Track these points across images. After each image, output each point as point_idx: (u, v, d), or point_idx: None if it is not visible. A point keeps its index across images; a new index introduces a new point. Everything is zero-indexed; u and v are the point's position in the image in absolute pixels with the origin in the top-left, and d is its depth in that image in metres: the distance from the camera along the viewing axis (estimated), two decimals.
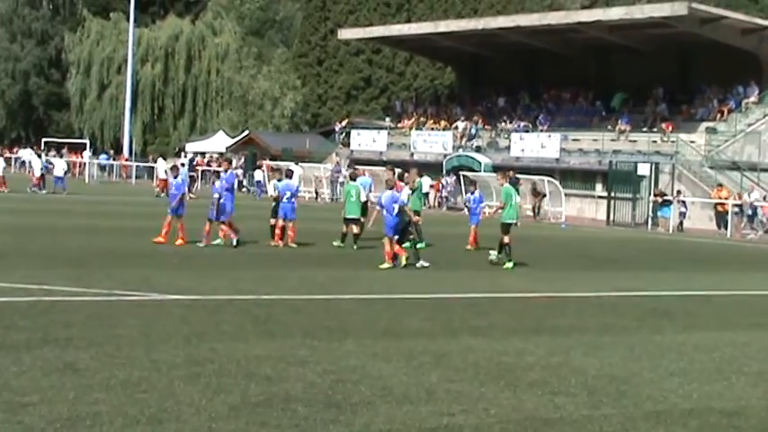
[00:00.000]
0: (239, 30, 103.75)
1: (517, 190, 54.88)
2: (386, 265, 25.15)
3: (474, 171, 59.34)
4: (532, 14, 71.03)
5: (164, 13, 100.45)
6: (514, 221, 27.50)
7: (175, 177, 29.81)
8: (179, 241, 27.83)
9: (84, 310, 15.78)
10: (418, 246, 26.80)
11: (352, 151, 72.68)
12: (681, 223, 51.21)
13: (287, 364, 12.10)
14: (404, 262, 25.41)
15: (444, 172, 63.06)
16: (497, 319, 17.04)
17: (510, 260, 26.93)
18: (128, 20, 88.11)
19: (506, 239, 27.15)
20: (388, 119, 78.47)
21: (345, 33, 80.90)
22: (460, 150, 65.58)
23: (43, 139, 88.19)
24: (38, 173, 55.59)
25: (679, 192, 52.76)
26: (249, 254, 26.92)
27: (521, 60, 71.12)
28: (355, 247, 29.86)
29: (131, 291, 17.95)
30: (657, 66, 62.90)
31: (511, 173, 55.09)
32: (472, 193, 33.06)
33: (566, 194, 56.21)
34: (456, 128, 68.69)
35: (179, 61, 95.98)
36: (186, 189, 30.02)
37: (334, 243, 30.73)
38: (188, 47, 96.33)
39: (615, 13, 60.70)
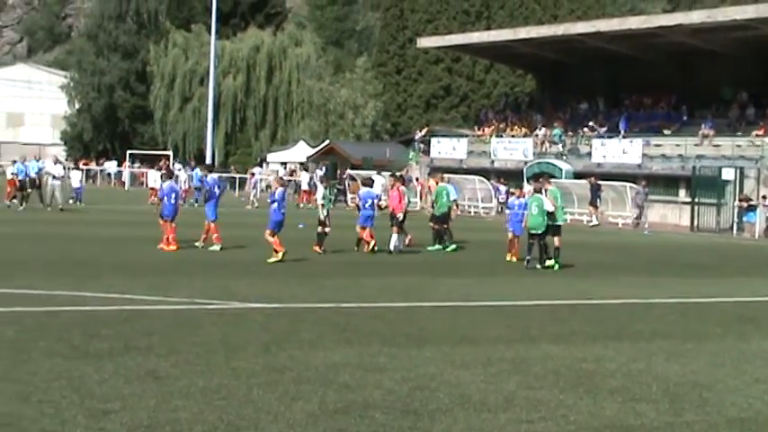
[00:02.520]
0: (319, 40, 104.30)
1: (599, 196, 54.80)
2: (273, 260, 25.90)
3: (555, 178, 58.98)
4: (612, 19, 70.38)
5: (245, 25, 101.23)
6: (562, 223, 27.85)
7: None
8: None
9: (165, 318, 15.95)
10: (447, 248, 29.37)
11: (432, 159, 72.61)
12: (767, 228, 50.41)
13: (365, 372, 12.11)
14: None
15: (526, 179, 62.78)
16: (577, 326, 16.90)
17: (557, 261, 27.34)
18: (210, 32, 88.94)
19: (557, 242, 27.22)
20: (475, 128, 78.28)
21: (424, 42, 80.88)
22: (541, 157, 65.24)
23: (128, 151, 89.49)
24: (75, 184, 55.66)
25: (765, 196, 51.90)
26: (332, 262, 26.98)
27: (601, 66, 70.50)
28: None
29: (212, 299, 18.09)
30: (741, 69, 62.00)
31: (593, 179, 55.01)
32: (518, 197, 31.71)
33: (649, 200, 55.58)
34: (536, 135, 68.34)
35: (260, 72, 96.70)
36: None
37: (430, 248, 31.78)
38: (269, 58, 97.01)
39: (697, 17, 59.93)
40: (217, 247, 28.68)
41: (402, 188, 31.84)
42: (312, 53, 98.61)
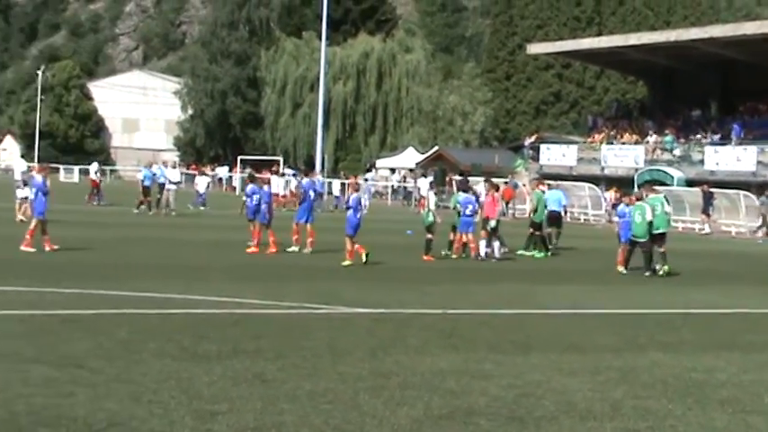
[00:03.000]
0: (429, 46, 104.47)
1: (712, 204, 53.85)
2: (347, 262, 26.12)
3: (666, 185, 58.20)
4: (726, 25, 69.35)
5: (355, 32, 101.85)
6: (664, 230, 27.35)
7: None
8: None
9: (273, 322, 16.12)
10: (538, 254, 29.95)
11: (541, 166, 72.25)
12: None
13: (471, 378, 12.10)
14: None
15: (636, 186, 62.05)
16: (687, 335, 16.67)
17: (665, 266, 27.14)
18: (320, 39, 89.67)
19: (662, 248, 26.92)
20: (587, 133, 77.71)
21: (535, 48, 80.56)
22: (652, 164, 64.45)
23: (239, 157, 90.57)
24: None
25: None
26: (437, 268, 27.00)
27: (714, 72, 69.46)
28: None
29: (320, 304, 18.23)
30: None
31: (705, 186, 54.07)
32: (627, 205, 31.44)
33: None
34: (647, 142, 67.55)
35: (370, 79, 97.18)
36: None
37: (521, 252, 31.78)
38: (379, 64, 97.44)
39: None
40: (295, 248, 29.24)
41: (496, 194, 31.68)
42: (422, 59, 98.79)
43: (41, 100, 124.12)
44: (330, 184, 69.68)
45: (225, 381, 11.40)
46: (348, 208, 27.51)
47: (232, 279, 21.92)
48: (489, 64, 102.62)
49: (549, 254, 32.36)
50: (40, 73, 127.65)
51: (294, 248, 29.40)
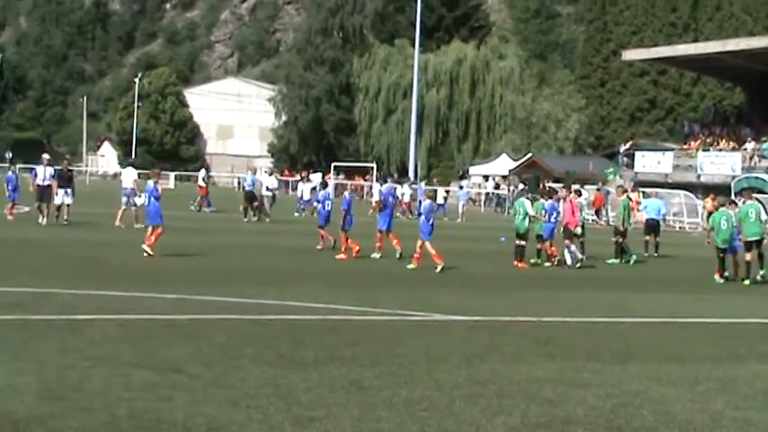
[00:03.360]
0: (522, 53, 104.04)
1: None
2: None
3: (764, 193, 57.22)
4: None
5: (449, 39, 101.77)
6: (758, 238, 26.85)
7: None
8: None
9: (368, 329, 16.16)
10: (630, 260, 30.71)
11: (636, 173, 71.50)
12: None
13: (568, 387, 12.02)
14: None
15: (733, 194, 61.11)
16: None
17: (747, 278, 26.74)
18: (413, 46, 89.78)
19: (748, 257, 26.80)
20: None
21: (630, 55, 79.80)
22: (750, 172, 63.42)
23: (333, 164, 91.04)
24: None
25: None
26: (528, 275, 26.85)
27: None
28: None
29: (414, 311, 18.23)
30: None
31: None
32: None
33: None
34: (745, 149, 66.48)
35: (463, 85, 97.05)
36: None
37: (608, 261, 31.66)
38: (472, 71, 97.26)
39: None
40: (377, 255, 29.33)
41: (577, 200, 31.37)
42: (515, 66, 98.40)
43: (138, 107, 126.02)
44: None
45: (322, 387, 11.46)
46: (420, 215, 27.57)
47: (326, 285, 22.02)
48: (583, 70, 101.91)
49: (625, 262, 31.93)
50: (137, 80, 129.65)
51: (376, 255, 29.49)
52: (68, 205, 37.39)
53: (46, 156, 38.77)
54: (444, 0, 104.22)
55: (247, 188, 48.75)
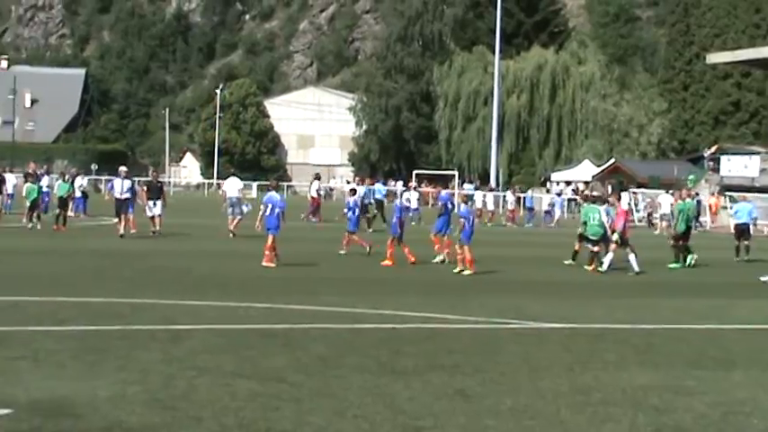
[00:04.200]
0: (602, 58, 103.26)
1: None
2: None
3: None
4: None
5: (528, 45, 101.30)
6: None
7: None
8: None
9: (465, 337, 16.12)
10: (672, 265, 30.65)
11: (722, 177, 70.62)
12: None
13: (674, 395, 11.87)
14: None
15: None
16: None
17: None
18: (493, 52, 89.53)
19: None
20: None
21: (714, 58, 78.74)
22: None
23: (414, 171, 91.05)
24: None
25: None
26: (614, 282, 26.59)
27: None
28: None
29: (508, 319, 18.14)
30: None
31: None
32: None
33: None
34: None
35: (543, 91, 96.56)
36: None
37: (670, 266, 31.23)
38: (552, 77, 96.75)
39: None
40: (440, 257, 29.55)
41: (625, 206, 31.05)
42: (596, 71, 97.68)
43: (220, 118, 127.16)
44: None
45: (426, 396, 11.43)
46: (462, 218, 27.55)
47: (418, 293, 22.01)
48: (666, 74, 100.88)
49: (684, 265, 31.48)
50: (218, 91, 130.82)
51: (439, 258, 29.55)
52: (159, 216, 37.51)
53: (123, 168, 38.83)
54: (523, 6, 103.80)
55: (366, 200, 48.41)
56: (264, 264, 26.64)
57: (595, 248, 29.30)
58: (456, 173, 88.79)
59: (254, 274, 24.83)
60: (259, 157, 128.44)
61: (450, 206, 30.96)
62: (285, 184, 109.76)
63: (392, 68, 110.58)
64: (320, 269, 27.21)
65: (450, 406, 10.98)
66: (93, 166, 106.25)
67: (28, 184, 40.52)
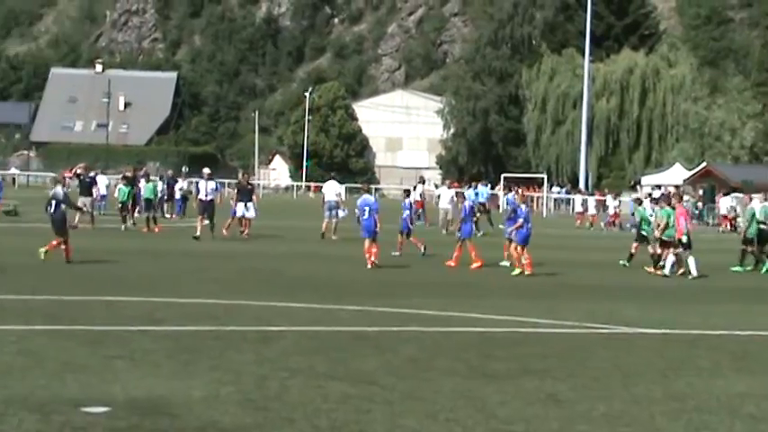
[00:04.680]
0: (694, 60, 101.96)
1: None
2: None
3: None
4: None
5: (618, 48, 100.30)
6: None
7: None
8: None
9: (556, 341, 16.02)
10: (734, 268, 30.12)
11: None
12: None
13: None
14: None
15: None
16: None
17: None
18: (582, 55, 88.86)
19: None
20: None
21: None
22: None
23: (502, 175, 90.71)
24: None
25: None
26: (718, 287, 26.20)
27: None
28: None
29: (601, 324, 17.99)
30: None
31: None
32: None
33: None
34: None
35: (634, 94, 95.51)
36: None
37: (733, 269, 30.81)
38: (642, 80, 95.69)
39: None
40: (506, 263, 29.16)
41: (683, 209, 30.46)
42: (687, 74, 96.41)
43: (308, 120, 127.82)
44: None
45: (518, 400, 11.40)
46: (519, 217, 27.44)
47: (509, 297, 21.94)
48: (759, 77, 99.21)
49: (747, 270, 30.81)
50: (307, 94, 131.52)
51: (505, 263, 29.27)
52: (249, 219, 37.50)
53: (206, 170, 38.86)
54: (614, 9, 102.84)
55: (480, 200, 48.25)
56: (369, 267, 26.93)
57: (659, 250, 29.07)
58: (545, 176, 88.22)
59: (346, 277, 24.94)
60: (347, 159, 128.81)
61: (470, 210, 30.50)
62: (374, 186, 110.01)
63: (481, 71, 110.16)
64: (411, 272, 27.24)
65: (542, 411, 10.93)
66: (185, 169, 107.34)
67: (120, 186, 41.04)
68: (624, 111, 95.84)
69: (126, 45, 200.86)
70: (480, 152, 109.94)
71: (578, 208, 62.64)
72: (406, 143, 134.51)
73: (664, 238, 28.96)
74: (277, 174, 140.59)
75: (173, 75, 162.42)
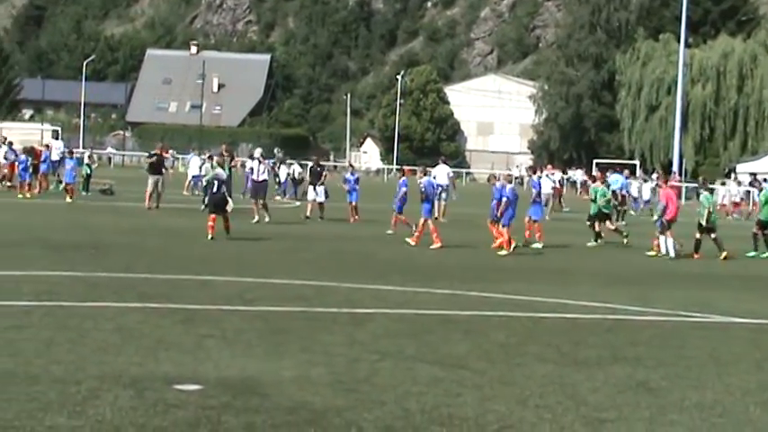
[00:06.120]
0: None
1: None
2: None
3: None
4: None
5: (715, 33, 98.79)
6: None
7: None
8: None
9: (647, 329, 15.89)
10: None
11: None
12: None
13: None
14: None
15: None
16: None
17: None
18: (678, 41, 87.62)
19: None
20: None
21: None
22: None
23: (594, 161, 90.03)
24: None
25: None
26: None
27: None
28: None
29: (693, 312, 17.77)
30: None
31: None
32: None
33: None
34: None
35: (730, 81, 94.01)
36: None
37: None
38: (740, 66, 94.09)
39: None
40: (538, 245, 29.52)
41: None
42: None
43: (400, 104, 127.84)
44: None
45: (609, 388, 11.31)
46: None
47: (599, 284, 21.77)
48: None
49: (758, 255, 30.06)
50: (399, 78, 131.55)
51: (538, 245, 29.53)
52: (321, 203, 36.57)
53: (259, 150, 38.77)
54: None
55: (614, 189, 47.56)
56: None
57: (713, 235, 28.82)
58: (637, 162, 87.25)
59: (436, 260, 24.97)
60: (438, 143, 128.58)
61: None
62: (464, 171, 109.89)
63: (574, 56, 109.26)
64: (499, 256, 27.11)
65: (633, 399, 10.84)
66: (276, 150, 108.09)
67: (206, 165, 41.10)
68: (720, 97, 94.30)
69: (220, 27, 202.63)
70: (572, 137, 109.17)
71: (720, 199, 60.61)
72: (497, 127, 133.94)
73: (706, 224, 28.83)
74: (368, 157, 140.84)
75: (266, 57, 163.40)
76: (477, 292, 19.04)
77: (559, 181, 58.91)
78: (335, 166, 53.51)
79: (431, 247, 27.45)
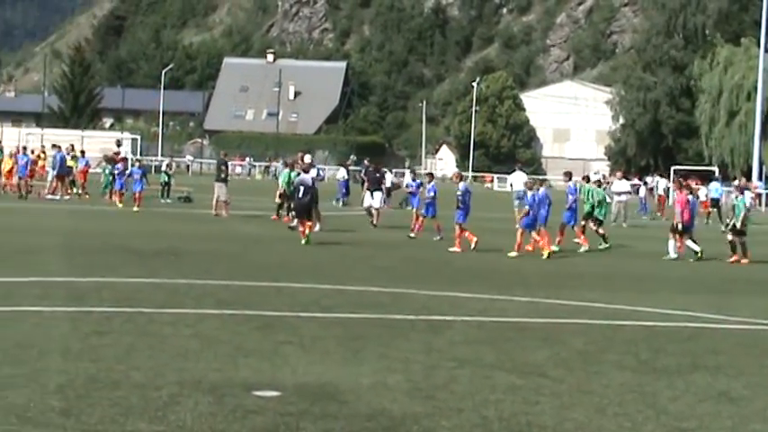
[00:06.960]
0: None
1: None
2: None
3: None
4: None
5: None
6: None
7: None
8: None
9: (729, 337, 15.71)
10: None
11: None
12: None
13: None
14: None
15: None
16: None
17: None
18: (758, 46, 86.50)
19: None
20: None
21: None
22: None
23: (672, 167, 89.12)
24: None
25: None
26: None
27: None
28: None
29: None
30: None
31: None
32: None
33: None
34: None
35: None
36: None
37: None
38: None
39: None
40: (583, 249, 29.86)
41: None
42: None
43: (476, 111, 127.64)
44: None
45: (689, 396, 11.19)
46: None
47: (677, 291, 21.57)
48: None
49: None
50: (474, 84, 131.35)
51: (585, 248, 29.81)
52: (377, 209, 36.58)
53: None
54: None
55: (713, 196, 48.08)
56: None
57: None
58: (716, 169, 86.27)
59: (514, 267, 24.86)
60: (514, 150, 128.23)
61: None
62: (540, 177, 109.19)
63: (652, 62, 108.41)
64: (576, 263, 26.99)
65: (714, 408, 10.71)
66: (352, 157, 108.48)
67: (284, 171, 41.18)
68: None
69: (296, 35, 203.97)
70: (650, 144, 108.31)
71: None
72: (573, 134, 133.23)
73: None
74: (444, 164, 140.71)
75: (342, 64, 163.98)
76: (555, 299, 18.95)
77: (664, 188, 59.16)
78: (414, 172, 53.60)
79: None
